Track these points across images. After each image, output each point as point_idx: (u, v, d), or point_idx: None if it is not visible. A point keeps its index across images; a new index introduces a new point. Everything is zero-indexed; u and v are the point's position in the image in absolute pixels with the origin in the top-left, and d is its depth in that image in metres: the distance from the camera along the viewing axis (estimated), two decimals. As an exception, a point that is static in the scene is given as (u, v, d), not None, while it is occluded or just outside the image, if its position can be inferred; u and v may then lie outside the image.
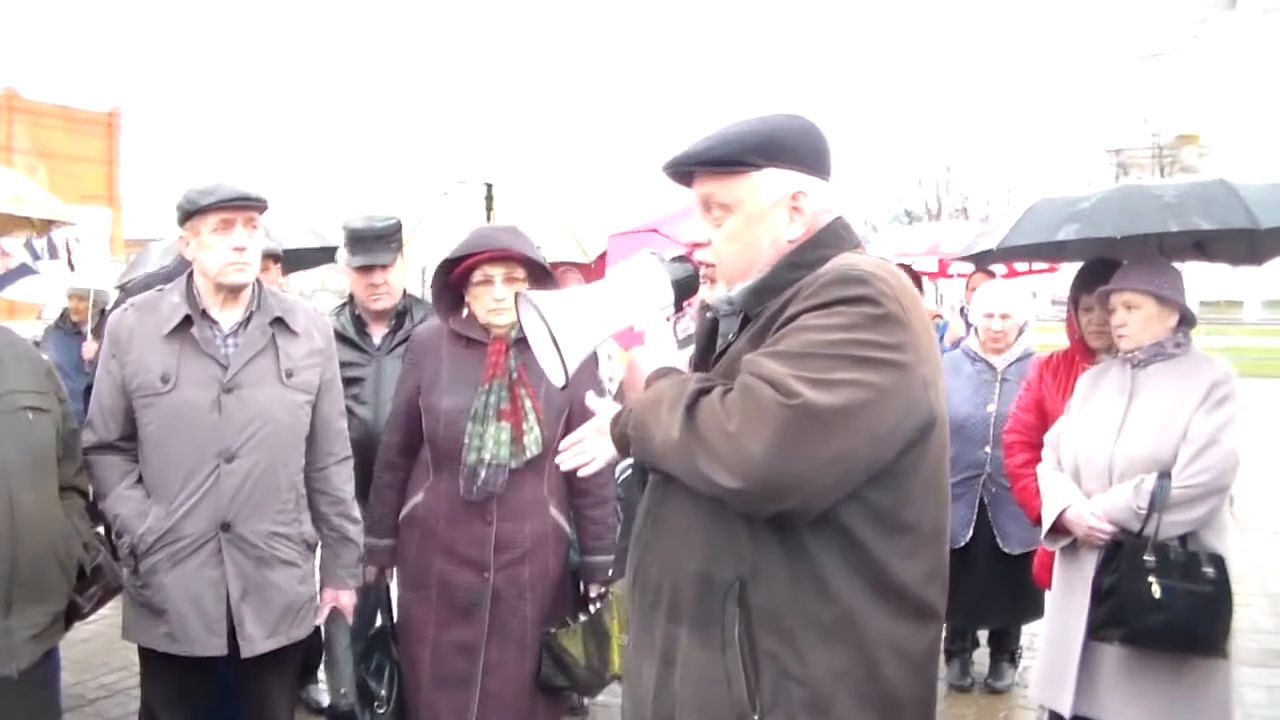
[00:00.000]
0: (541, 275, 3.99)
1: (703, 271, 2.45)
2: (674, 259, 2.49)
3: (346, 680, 4.06)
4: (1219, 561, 3.78)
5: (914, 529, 2.24)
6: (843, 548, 2.19)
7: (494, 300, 3.91)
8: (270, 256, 5.11)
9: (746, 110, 2.47)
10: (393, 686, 4.12)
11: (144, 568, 3.64)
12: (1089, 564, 3.94)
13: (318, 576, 3.99)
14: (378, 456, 4.25)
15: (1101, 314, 4.40)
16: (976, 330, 6.18)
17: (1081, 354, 4.83)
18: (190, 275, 3.78)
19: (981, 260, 5.84)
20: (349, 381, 4.44)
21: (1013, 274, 10.28)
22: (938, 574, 2.33)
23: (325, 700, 5.42)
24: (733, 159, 2.32)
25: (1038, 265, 9.75)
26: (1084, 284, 4.72)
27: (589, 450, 2.58)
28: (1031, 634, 6.12)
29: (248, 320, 3.76)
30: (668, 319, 2.49)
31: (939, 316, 10.30)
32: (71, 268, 11.00)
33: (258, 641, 3.70)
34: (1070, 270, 5.93)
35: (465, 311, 4.04)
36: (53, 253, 11.78)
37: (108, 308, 7.91)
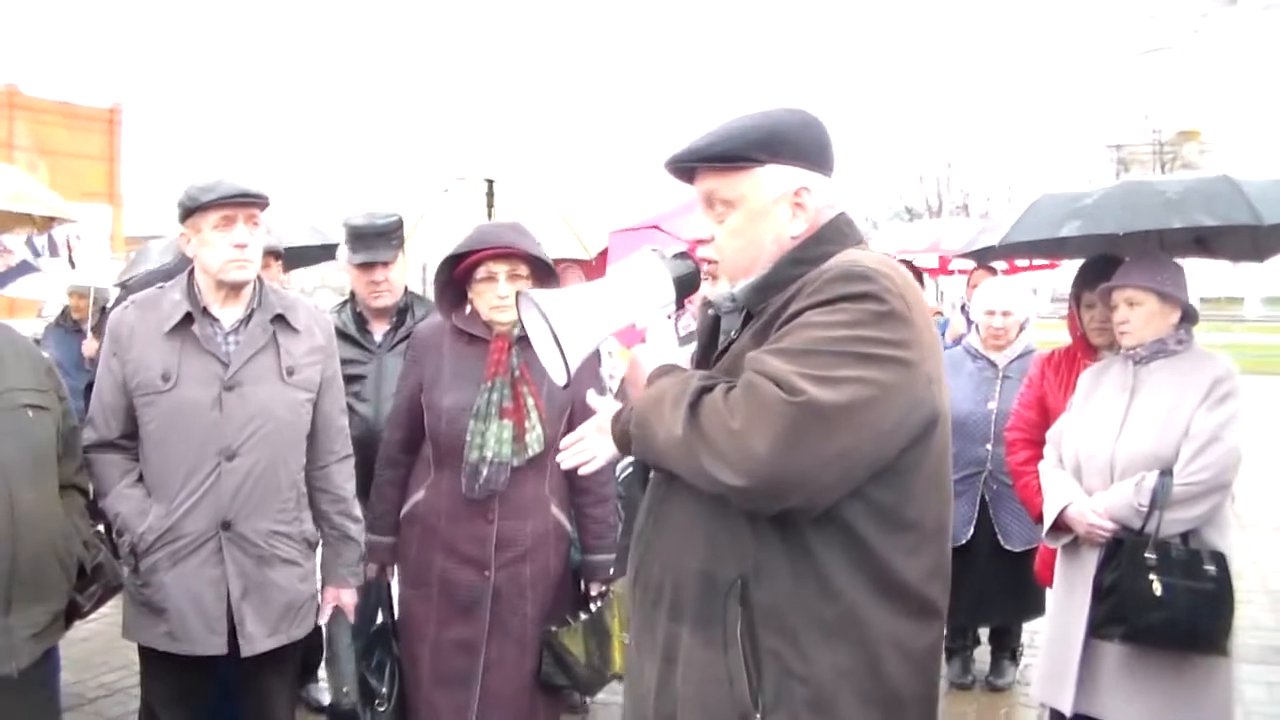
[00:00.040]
0: (545, 273, 3.98)
1: (704, 268, 2.45)
2: (675, 256, 2.48)
3: (349, 679, 4.05)
4: (1220, 559, 3.77)
5: (917, 526, 2.24)
6: (845, 545, 2.18)
7: (497, 297, 3.91)
8: (271, 253, 5.10)
9: (747, 106, 2.46)
10: (394, 684, 4.11)
11: (144, 566, 3.63)
12: (1090, 562, 3.93)
13: (319, 575, 3.99)
14: (379, 453, 4.24)
15: (1103, 311, 4.39)
16: (977, 327, 6.17)
17: (1083, 351, 4.82)
18: (191, 272, 3.77)
19: (983, 257, 5.84)
20: (350, 379, 4.43)
21: (1014, 270, 10.29)
22: (940, 571, 2.33)
23: (325, 699, 5.42)
24: (735, 155, 2.31)
25: (1038, 261, 9.74)
26: (1086, 281, 4.71)
27: (589, 449, 2.58)
28: (1032, 631, 6.11)
29: (249, 318, 3.75)
30: (669, 316, 2.48)
31: (939, 313, 10.30)
32: (72, 265, 11.00)
33: (258, 640, 3.69)
34: (1071, 267, 5.93)
35: (468, 308, 4.04)
36: (53, 250, 11.79)
37: (108, 305, 7.93)
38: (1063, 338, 5.09)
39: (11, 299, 16.87)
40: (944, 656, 5.23)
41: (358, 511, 4.05)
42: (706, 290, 2.47)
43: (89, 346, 8.76)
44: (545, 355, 2.39)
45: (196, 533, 3.63)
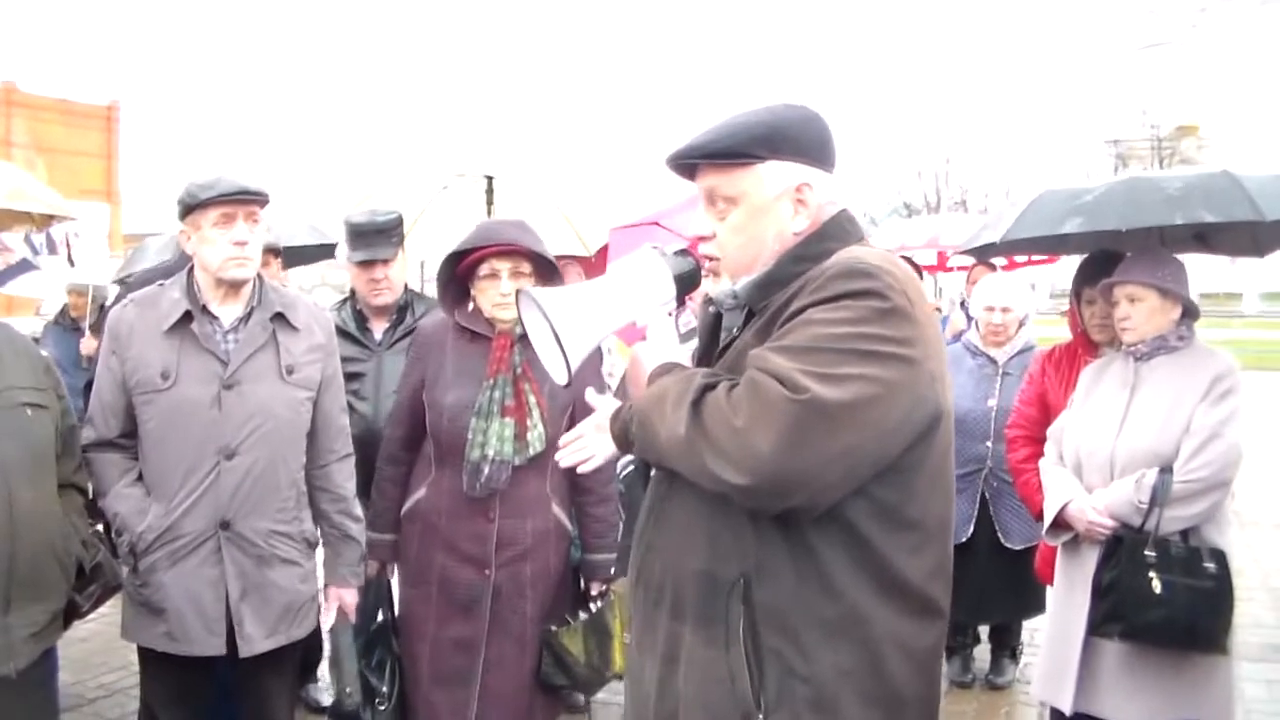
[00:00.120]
0: (548, 270, 3.97)
1: (706, 265, 2.44)
2: (676, 253, 2.48)
3: (351, 679, 4.05)
4: (1220, 557, 3.77)
5: (919, 525, 2.23)
6: (848, 544, 2.18)
7: (500, 295, 3.90)
8: (271, 251, 5.09)
9: (747, 102, 2.46)
10: (394, 682, 4.10)
11: (143, 566, 3.62)
12: (1090, 559, 3.93)
13: (319, 575, 3.98)
14: (380, 450, 4.24)
15: (1104, 307, 4.39)
16: (977, 324, 6.16)
17: (1084, 347, 4.81)
18: (191, 270, 3.76)
19: (985, 253, 5.83)
20: (349, 377, 4.42)
21: (1013, 265, 10.28)
22: (942, 570, 2.33)
23: (325, 699, 5.42)
24: (736, 151, 2.31)
25: (1037, 256, 9.73)
26: (1086, 277, 4.70)
27: (588, 447, 2.57)
28: (1032, 630, 6.11)
29: (248, 316, 3.73)
30: (670, 314, 2.48)
31: (938, 309, 10.29)
32: (71, 263, 10.99)
33: (257, 641, 3.68)
34: (1070, 262, 5.91)
35: (471, 305, 4.03)
36: (51, 248, 11.78)
37: (107, 303, 7.92)
38: (1062, 334, 5.08)
39: (9, 297, 16.87)
40: (944, 655, 5.24)
41: (358, 511, 4.04)
42: (708, 287, 2.47)
43: (87, 345, 8.75)
44: (546, 354, 2.39)
45: (195, 532, 3.62)
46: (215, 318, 3.71)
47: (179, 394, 3.62)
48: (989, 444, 5.67)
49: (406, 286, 5.17)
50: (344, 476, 3.98)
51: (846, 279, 2.13)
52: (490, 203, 7.68)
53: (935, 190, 55.86)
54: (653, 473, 2.49)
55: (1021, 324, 6.02)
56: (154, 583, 3.62)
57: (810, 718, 2.19)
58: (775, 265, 2.32)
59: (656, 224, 6.75)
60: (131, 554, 3.63)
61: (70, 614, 3.45)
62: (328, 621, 4.09)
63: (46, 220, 7.37)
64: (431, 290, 4.88)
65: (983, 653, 6.21)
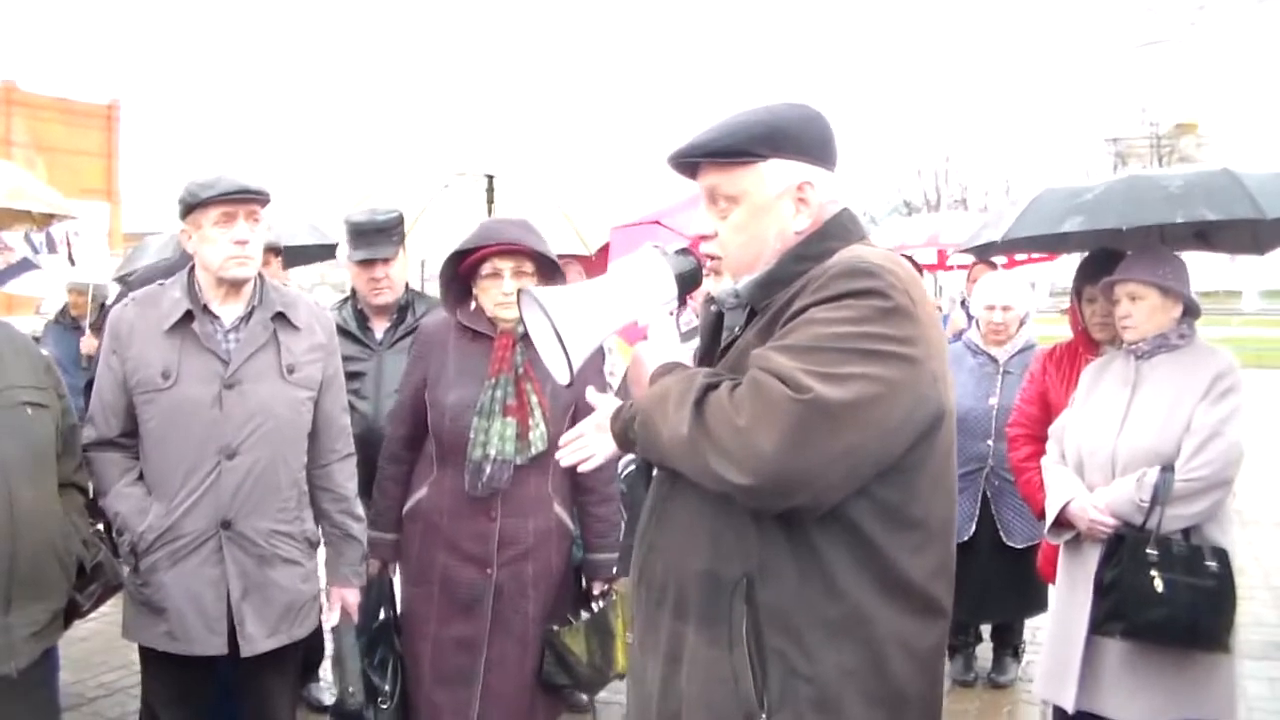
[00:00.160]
0: (551, 270, 3.97)
1: (707, 264, 2.44)
2: (677, 252, 2.48)
3: (354, 678, 4.05)
4: (1222, 555, 3.77)
5: (922, 525, 2.23)
6: (851, 544, 2.17)
7: (502, 294, 3.90)
8: (271, 250, 5.09)
9: (747, 100, 2.45)
10: (396, 681, 4.10)
11: (144, 566, 3.62)
12: (1092, 558, 3.93)
13: (320, 574, 3.97)
14: (382, 449, 4.23)
15: (1105, 305, 4.38)
16: (978, 322, 6.16)
17: (1085, 345, 4.80)
18: (191, 270, 3.75)
19: (984, 252, 5.84)
20: (350, 376, 4.42)
21: (1013, 264, 10.27)
22: (945, 570, 2.32)
23: (326, 699, 5.42)
24: (738, 150, 2.30)
25: (1036, 254, 9.73)
26: (1087, 275, 4.69)
27: (589, 446, 2.56)
28: (1034, 628, 6.12)
29: (249, 315, 3.73)
30: (671, 313, 2.47)
31: (938, 308, 10.28)
32: (72, 262, 10.99)
33: (258, 641, 3.68)
34: (1070, 260, 5.91)
35: (473, 305, 4.03)
36: (51, 247, 11.78)
37: (107, 302, 7.91)
38: (1061, 332, 5.08)
39: (10, 296, 16.87)
40: (946, 654, 5.24)
41: (360, 510, 4.04)
42: (709, 286, 2.46)
43: (87, 344, 8.74)
44: (547, 354, 2.38)
45: (196, 532, 3.61)
46: (216, 317, 3.71)
47: (180, 393, 3.62)
48: (990, 442, 5.67)
49: (407, 286, 5.17)
50: (345, 476, 3.98)
51: (849, 278, 2.13)
52: (491, 201, 7.69)
53: (935, 189, 55.89)
54: (655, 472, 2.49)
55: (1022, 322, 6.02)
56: (155, 582, 3.61)
57: (813, 717, 2.18)
58: (777, 264, 2.32)
59: (657, 223, 6.75)
60: (132, 553, 3.62)
61: (71, 613, 3.45)
62: (330, 621, 4.09)
63: (47, 219, 7.37)
64: (432, 289, 4.88)
65: (985, 651, 6.22)
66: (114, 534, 3.67)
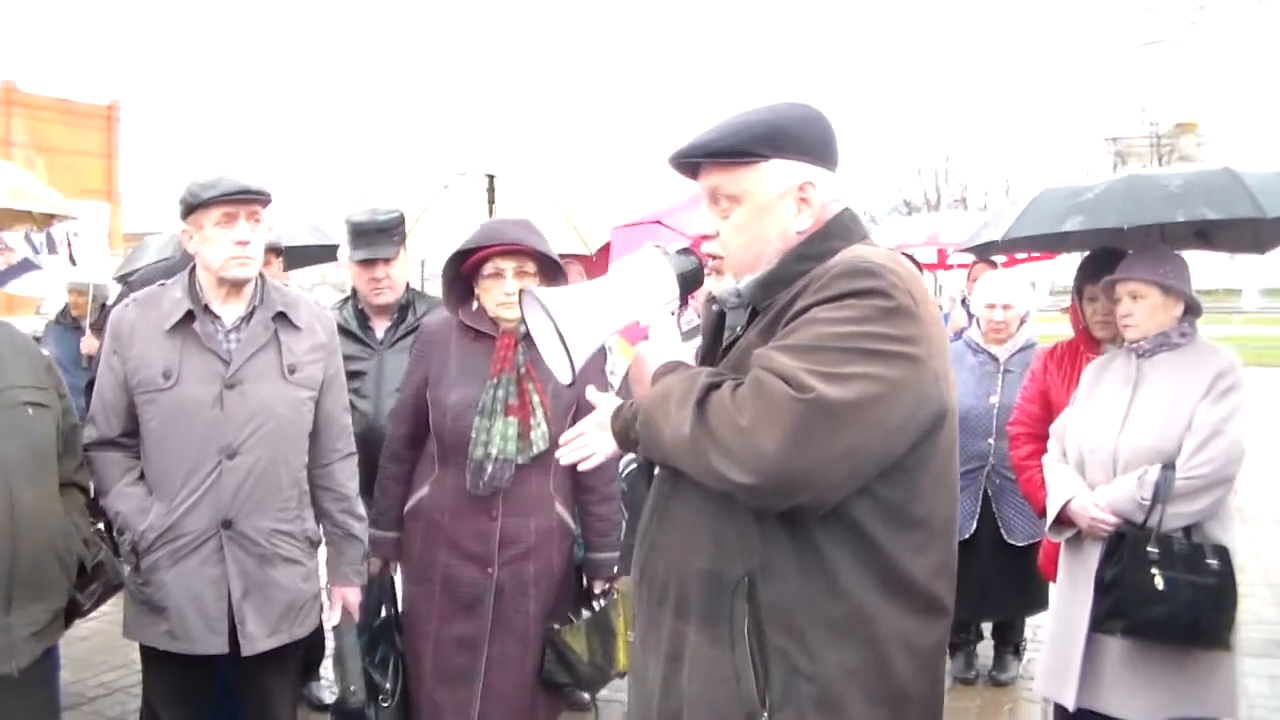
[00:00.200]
0: (552, 270, 3.98)
1: (708, 264, 2.44)
2: (679, 252, 2.48)
3: (355, 677, 4.05)
4: (1223, 553, 3.77)
5: (924, 524, 2.23)
6: (853, 543, 2.18)
7: (504, 294, 3.90)
8: (272, 250, 5.09)
9: (747, 100, 2.46)
10: (397, 679, 4.11)
11: (145, 565, 3.62)
12: (1093, 556, 3.93)
13: (321, 574, 3.98)
14: (384, 448, 4.24)
15: (1106, 304, 4.38)
16: (978, 321, 6.16)
17: (1086, 344, 4.81)
18: (193, 270, 3.76)
19: (985, 251, 5.84)
20: (350, 376, 4.41)
21: (1012, 262, 10.27)
22: (947, 569, 2.33)
23: (327, 698, 5.42)
24: (740, 150, 2.31)
25: (1036, 252, 9.73)
26: (1088, 274, 4.69)
27: (589, 445, 2.56)
28: (1035, 626, 6.12)
29: (250, 315, 3.73)
30: (673, 313, 2.48)
31: (939, 307, 10.27)
32: (73, 262, 10.99)
33: (259, 640, 3.68)
34: (1070, 259, 5.91)
35: (475, 304, 4.03)
36: (51, 247, 11.77)
37: (108, 302, 7.91)
38: (1061, 331, 5.08)
39: (9, 296, 16.86)
40: (948, 652, 5.24)
41: (361, 509, 4.05)
42: (711, 286, 2.46)
43: (87, 344, 8.75)
44: (549, 354, 2.39)
45: (197, 531, 3.61)
46: (217, 317, 3.71)
47: (181, 393, 3.62)
48: (991, 441, 5.68)
49: (408, 285, 5.17)
50: (346, 475, 3.98)
51: (851, 278, 2.13)
52: (491, 201, 7.69)
53: (935, 188, 55.91)
54: (656, 471, 2.49)
55: (1022, 321, 6.02)
56: (156, 581, 3.62)
57: (815, 716, 2.19)
58: (779, 264, 2.32)
59: (659, 223, 6.75)
60: (133, 553, 3.63)
61: (71, 613, 3.45)
62: (331, 620, 4.09)
63: (47, 220, 7.37)
64: (432, 289, 4.87)
65: (986, 649, 6.22)
66: (115, 533, 3.68)
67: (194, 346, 3.65)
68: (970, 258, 8.39)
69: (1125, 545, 3.80)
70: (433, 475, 4.05)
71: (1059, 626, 4.13)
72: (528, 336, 3.70)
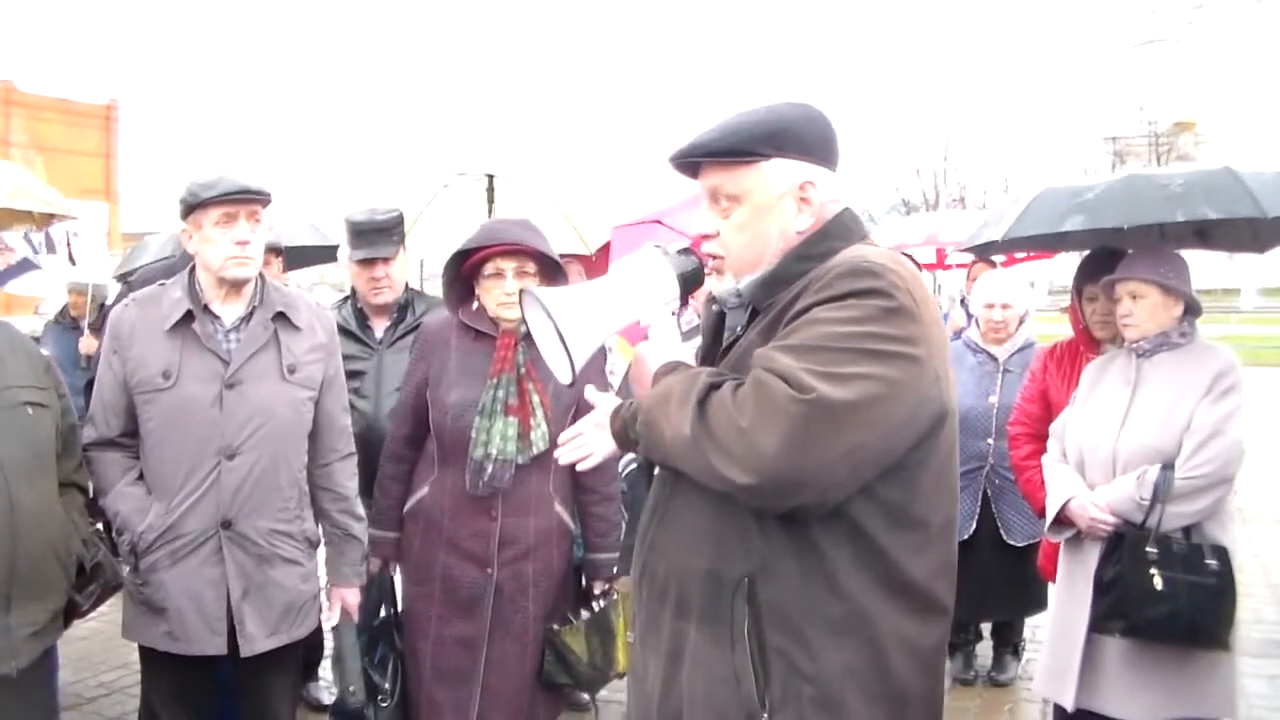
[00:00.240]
0: (553, 270, 3.98)
1: (709, 264, 2.44)
2: (679, 252, 2.48)
3: (354, 677, 4.04)
4: (1222, 553, 3.77)
5: (925, 524, 2.23)
6: (853, 544, 2.18)
7: (504, 294, 3.90)
8: (272, 250, 5.09)
9: (746, 100, 2.45)
10: (397, 679, 4.11)
11: (144, 565, 3.61)
12: (1092, 556, 3.94)
13: (321, 574, 3.97)
14: (384, 447, 4.23)
15: (1106, 304, 4.38)
16: (977, 321, 6.16)
17: (1085, 344, 4.80)
18: (192, 269, 3.75)
19: (985, 251, 5.84)
20: (350, 375, 4.41)
21: (1011, 261, 10.26)
22: (947, 569, 2.33)
23: (326, 698, 5.42)
24: (740, 149, 2.31)
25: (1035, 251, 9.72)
26: (1088, 274, 4.69)
27: (588, 444, 2.55)
28: (1034, 626, 6.12)
29: (250, 315, 3.72)
30: (673, 313, 2.47)
31: (938, 307, 10.25)
32: (73, 262, 10.99)
33: (258, 640, 3.68)
34: (1068, 259, 5.90)
35: (475, 304, 4.03)
36: (50, 247, 11.77)
37: (107, 302, 7.91)
38: (1060, 330, 5.08)
39: (8, 296, 16.85)
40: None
41: (360, 510, 4.04)
42: (711, 285, 2.46)
43: (86, 344, 8.74)
44: (550, 354, 2.39)
45: (196, 531, 3.61)
46: (217, 317, 3.71)
47: (180, 393, 3.61)
48: (990, 441, 5.68)
49: (407, 285, 5.16)
50: (346, 476, 3.97)
51: (852, 278, 2.13)
52: (491, 201, 7.69)
53: (934, 188, 55.84)
54: (656, 471, 2.49)
55: (1022, 320, 6.02)
56: (155, 582, 3.61)
57: (815, 717, 2.19)
58: (779, 264, 2.32)
59: (658, 222, 6.74)
60: (132, 553, 3.62)
61: (70, 613, 3.45)
62: (330, 621, 4.09)
63: (47, 219, 7.37)
64: (430, 288, 4.87)
65: (985, 649, 6.23)
66: (114, 533, 3.67)
67: (193, 346, 3.64)
68: (969, 257, 8.38)
69: (1124, 545, 3.80)
70: (432, 475, 4.05)
71: (1058, 627, 4.12)
72: (528, 336, 3.71)
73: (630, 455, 2.86)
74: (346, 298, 5.19)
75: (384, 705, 4.07)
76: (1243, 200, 4.04)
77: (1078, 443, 4.10)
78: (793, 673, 2.19)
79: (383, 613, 4.19)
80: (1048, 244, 5.26)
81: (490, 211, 7.53)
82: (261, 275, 3.80)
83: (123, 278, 7.22)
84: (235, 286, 3.70)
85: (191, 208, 3.63)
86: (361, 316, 5.02)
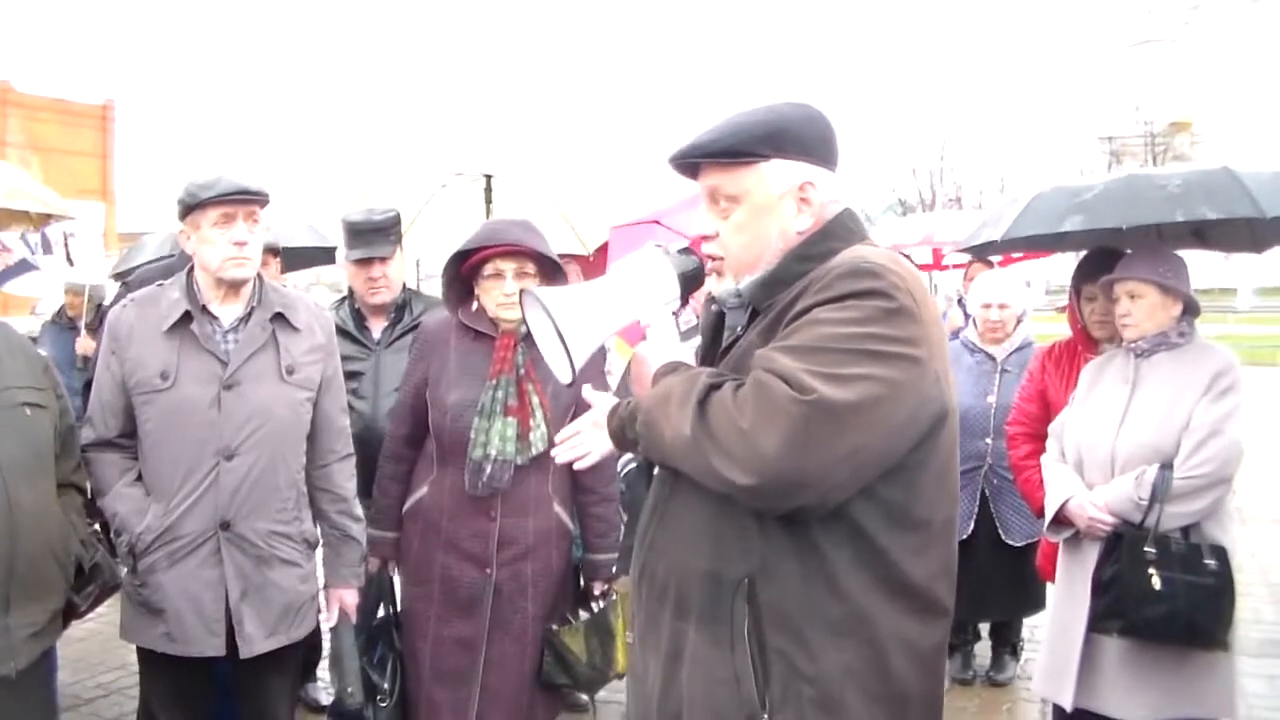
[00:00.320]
0: (552, 271, 3.97)
1: (709, 264, 2.44)
2: (679, 251, 2.47)
3: (352, 678, 4.04)
4: (1221, 553, 3.77)
5: (925, 525, 2.24)
6: (854, 545, 2.18)
7: (504, 295, 3.90)
8: (270, 250, 5.08)
9: (743, 100, 2.45)
10: (395, 679, 4.11)
11: (142, 566, 3.61)
12: (1091, 556, 3.94)
13: (319, 575, 3.97)
14: (383, 447, 4.23)
15: (1105, 304, 4.38)
16: (975, 321, 6.16)
17: (1084, 344, 4.80)
18: (190, 270, 3.75)
19: (984, 251, 5.85)
20: (348, 376, 4.40)
21: (1008, 261, 10.26)
22: (947, 570, 2.33)
23: (324, 699, 5.41)
24: (739, 150, 2.30)
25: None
26: (1086, 273, 4.69)
27: (585, 443, 2.56)
28: (1033, 626, 6.12)
29: (248, 316, 3.72)
30: (674, 313, 2.47)
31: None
32: (70, 262, 10.97)
33: (257, 642, 3.67)
34: (1065, 258, 5.89)
35: (474, 305, 4.03)
36: (46, 247, 11.74)
37: (104, 303, 7.89)
38: (1056, 330, 5.08)
39: (5, 296, 16.82)
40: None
41: (359, 511, 4.04)
42: (711, 286, 2.46)
43: (83, 344, 8.72)
44: (550, 354, 2.38)
45: (195, 533, 3.61)
46: (215, 318, 3.70)
47: (178, 394, 3.61)
48: (989, 440, 5.68)
49: (404, 285, 5.16)
50: (344, 477, 3.97)
51: (852, 279, 2.13)
52: (489, 201, 7.68)
53: (930, 188, 55.89)
54: (656, 472, 2.49)
55: (1019, 320, 6.02)
56: (153, 583, 3.61)
57: (815, 717, 2.19)
58: (779, 264, 2.32)
59: (657, 222, 6.74)
60: (130, 554, 3.62)
61: (69, 614, 3.44)
62: (329, 622, 4.08)
63: (43, 220, 7.34)
64: (427, 288, 4.86)
65: (983, 649, 6.23)
66: (112, 534, 3.67)
67: (192, 347, 3.64)
68: (966, 257, 8.38)
69: (1123, 545, 3.80)
70: (431, 475, 4.05)
71: (1056, 626, 4.13)
72: (528, 337, 3.71)
73: (629, 456, 2.85)
74: (344, 298, 5.19)
75: (383, 705, 4.07)
76: (1241, 200, 4.04)
77: (1076, 442, 4.10)
78: (793, 673, 2.19)
79: (381, 612, 4.19)
80: (1047, 244, 5.26)
81: (488, 212, 7.52)
82: (260, 276, 3.79)
83: (119, 277, 7.20)
84: (233, 287, 3.70)
85: (189, 208, 3.62)
86: (359, 317, 5.02)
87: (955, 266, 11.01)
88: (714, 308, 2.53)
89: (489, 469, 3.85)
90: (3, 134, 38.62)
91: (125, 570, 3.63)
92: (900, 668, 2.23)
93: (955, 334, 6.70)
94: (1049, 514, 4.07)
